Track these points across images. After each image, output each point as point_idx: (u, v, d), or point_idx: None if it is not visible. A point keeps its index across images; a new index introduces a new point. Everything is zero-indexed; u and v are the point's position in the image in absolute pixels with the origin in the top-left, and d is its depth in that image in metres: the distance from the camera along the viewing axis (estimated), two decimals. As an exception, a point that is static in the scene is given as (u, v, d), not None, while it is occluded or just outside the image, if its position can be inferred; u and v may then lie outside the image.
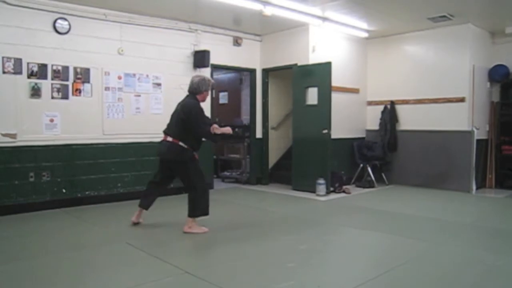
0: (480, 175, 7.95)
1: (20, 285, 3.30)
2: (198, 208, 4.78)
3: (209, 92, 5.02)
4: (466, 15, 7.08)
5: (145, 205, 5.09)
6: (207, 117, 4.97)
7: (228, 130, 4.82)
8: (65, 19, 6.11)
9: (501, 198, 7.20)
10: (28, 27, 5.81)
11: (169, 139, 4.74)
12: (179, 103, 4.90)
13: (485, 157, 8.07)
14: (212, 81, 5.10)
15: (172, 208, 5.59)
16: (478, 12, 6.93)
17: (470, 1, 6.39)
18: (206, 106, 7.58)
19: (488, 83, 8.12)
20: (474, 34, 7.64)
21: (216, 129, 4.68)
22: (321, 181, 7.25)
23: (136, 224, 5.10)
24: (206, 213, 4.84)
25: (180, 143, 4.69)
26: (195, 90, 4.83)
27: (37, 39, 5.90)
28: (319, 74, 7.46)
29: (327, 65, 7.36)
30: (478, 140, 7.63)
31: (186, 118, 4.68)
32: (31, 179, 5.89)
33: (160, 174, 5.07)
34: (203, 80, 4.85)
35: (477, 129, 7.58)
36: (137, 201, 5.28)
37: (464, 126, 7.59)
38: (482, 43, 7.92)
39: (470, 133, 7.55)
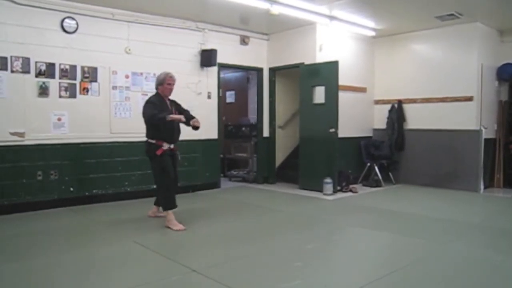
0: (488, 175, 7.90)
1: (27, 283, 3.32)
2: (163, 202, 5.04)
3: (167, 85, 5.14)
4: (474, 13, 7.03)
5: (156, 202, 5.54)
6: (157, 108, 5.01)
7: (179, 117, 4.92)
8: (73, 18, 6.14)
9: (509, 198, 7.14)
10: (36, 27, 5.85)
11: (146, 139, 5.10)
12: None
13: (493, 156, 8.01)
14: (167, 75, 5.14)
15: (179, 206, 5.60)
16: (486, 10, 6.87)
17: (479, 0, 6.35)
18: (213, 105, 7.68)
19: (496, 82, 8.06)
20: (482, 32, 7.59)
21: (171, 117, 4.86)
22: (328, 180, 7.24)
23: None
24: (169, 207, 5.00)
25: (149, 140, 5.04)
26: (155, 86, 5.20)
27: (45, 38, 5.93)
28: (326, 73, 7.44)
29: (334, 64, 7.34)
30: (486, 140, 7.58)
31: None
32: (39, 178, 5.92)
33: None
34: (158, 75, 5.20)
35: (485, 128, 7.54)
36: (143, 200, 5.36)
37: (472, 125, 7.55)
38: (490, 41, 7.86)
39: (478, 132, 7.50)
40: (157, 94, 5.15)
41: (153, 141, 4.99)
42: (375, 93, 8.97)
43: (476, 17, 7.26)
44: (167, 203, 4.99)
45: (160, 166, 5.01)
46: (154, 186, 6.88)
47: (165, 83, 5.10)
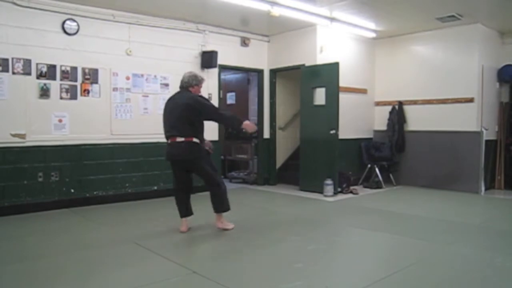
0: (489, 176, 7.90)
1: (28, 284, 3.32)
2: (223, 204, 4.84)
3: (200, 87, 4.90)
4: (475, 15, 7.03)
5: (188, 213, 4.93)
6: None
7: (252, 127, 4.91)
8: (74, 20, 6.15)
9: (510, 199, 7.13)
10: (37, 28, 5.86)
11: (180, 139, 4.58)
12: (174, 101, 4.75)
13: (494, 158, 8.00)
14: (204, 78, 5.00)
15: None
16: (487, 12, 6.88)
17: (479, 1, 6.35)
18: (213, 107, 7.68)
19: (497, 84, 8.06)
20: (483, 34, 7.59)
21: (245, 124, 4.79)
22: (329, 181, 7.23)
23: (185, 232, 4.86)
24: (227, 209, 4.90)
25: (194, 140, 4.62)
26: (187, 84, 4.80)
27: (46, 40, 5.94)
28: (327, 74, 7.44)
29: (335, 66, 7.35)
30: (487, 141, 7.57)
31: (199, 111, 4.62)
32: (40, 179, 5.93)
33: (180, 180, 4.87)
34: (194, 75, 4.85)
35: (486, 129, 7.53)
36: (145, 201, 5.31)
37: (472, 127, 7.55)
38: (491, 43, 7.86)
39: (478, 133, 7.50)
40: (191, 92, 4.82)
41: (197, 141, 4.65)
42: (375, 94, 8.97)
43: (477, 19, 7.26)
44: (226, 205, 4.84)
45: (211, 165, 4.80)
46: (155, 188, 6.93)
47: (200, 84, 4.87)
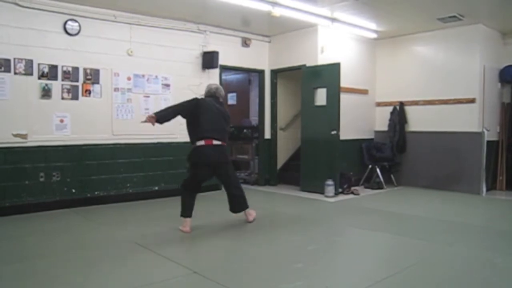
0: (491, 177, 7.88)
1: (28, 285, 3.33)
2: (245, 199, 5.28)
3: None
4: (477, 15, 7.02)
5: (191, 214, 4.95)
6: None
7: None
8: (75, 21, 6.16)
9: (511, 200, 7.12)
10: (39, 29, 5.87)
11: (217, 142, 4.87)
12: (213, 107, 5.00)
13: (495, 158, 7.98)
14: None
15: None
16: (489, 12, 6.87)
17: (481, 1, 6.34)
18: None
19: (499, 84, 8.04)
20: (484, 34, 7.58)
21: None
22: (330, 182, 7.23)
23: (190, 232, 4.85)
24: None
25: (226, 145, 5.02)
26: (217, 94, 5.21)
27: (47, 41, 5.95)
28: (328, 75, 7.44)
29: (336, 66, 7.34)
30: (488, 142, 7.56)
31: (228, 122, 5.13)
32: (41, 179, 5.94)
33: (199, 181, 5.00)
34: (220, 87, 5.32)
35: (487, 130, 7.52)
36: (146, 201, 5.30)
37: (474, 127, 7.54)
38: (492, 43, 7.85)
39: (480, 134, 7.49)
40: None
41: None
42: (376, 95, 8.96)
43: (478, 19, 7.25)
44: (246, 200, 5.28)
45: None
46: (156, 188, 6.94)
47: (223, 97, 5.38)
